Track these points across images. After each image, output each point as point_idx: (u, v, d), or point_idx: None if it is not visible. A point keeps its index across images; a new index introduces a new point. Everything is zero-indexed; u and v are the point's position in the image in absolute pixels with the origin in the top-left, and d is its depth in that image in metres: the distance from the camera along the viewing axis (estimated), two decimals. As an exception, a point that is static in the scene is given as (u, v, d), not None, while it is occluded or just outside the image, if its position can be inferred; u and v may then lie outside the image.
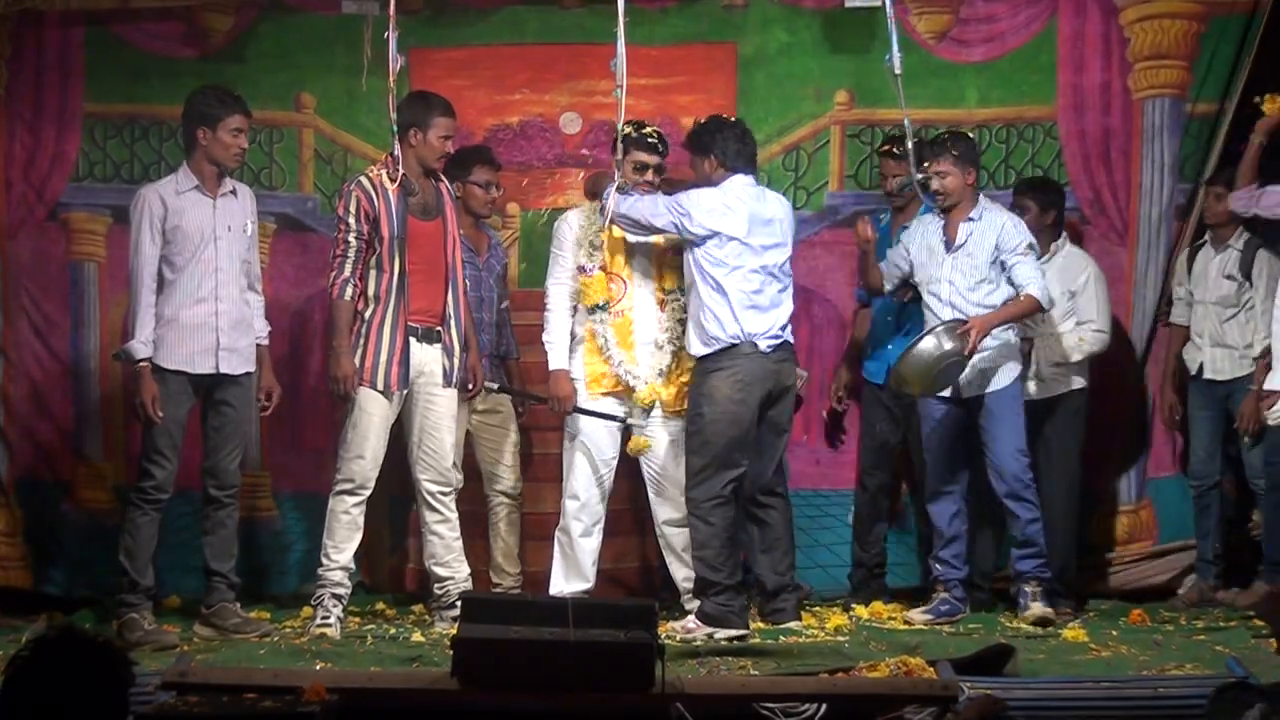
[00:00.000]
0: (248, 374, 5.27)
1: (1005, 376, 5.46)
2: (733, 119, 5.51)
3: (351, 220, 5.17)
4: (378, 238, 5.19)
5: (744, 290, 5.23)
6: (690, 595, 5.50)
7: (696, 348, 5.28)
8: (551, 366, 5.51)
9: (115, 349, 5.58)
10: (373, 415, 5.21)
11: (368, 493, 5.27)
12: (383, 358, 5.19)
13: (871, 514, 5.90)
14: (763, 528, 5.35)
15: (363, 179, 5.26)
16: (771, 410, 5.30)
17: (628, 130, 5.41)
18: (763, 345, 5.24)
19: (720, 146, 5.33)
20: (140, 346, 5.07)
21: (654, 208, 5.30)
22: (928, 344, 5.32)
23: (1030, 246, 5.45)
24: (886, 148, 5.86)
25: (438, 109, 5.27)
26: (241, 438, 5.31)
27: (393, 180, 5.22)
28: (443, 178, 5.39)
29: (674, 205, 5.27)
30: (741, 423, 5.18)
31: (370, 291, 5.20)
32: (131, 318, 5.13)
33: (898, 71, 5.19)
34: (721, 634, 5.01)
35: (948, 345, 5.30)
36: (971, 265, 5.46)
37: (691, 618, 5.14)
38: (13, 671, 2.61)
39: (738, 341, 5.21)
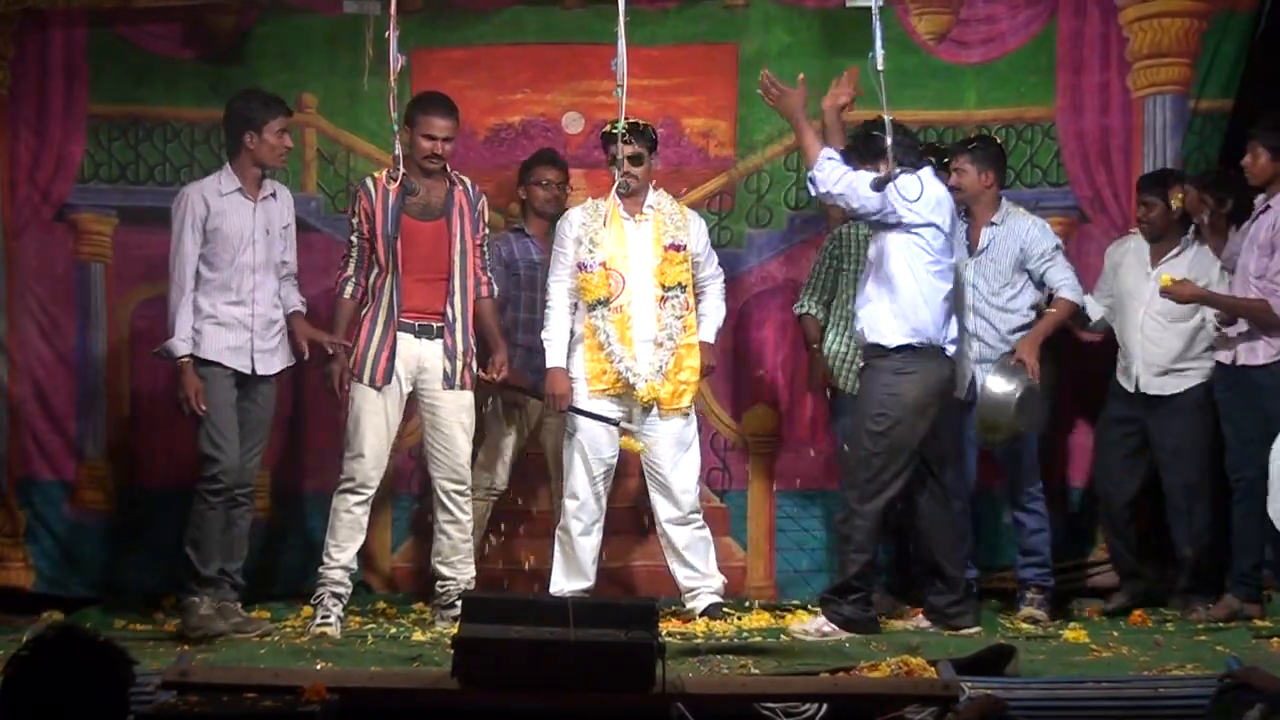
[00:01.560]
0: (277, 374, 5.30)
1: None
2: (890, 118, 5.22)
3: (354, 220, 5.32)
4: (374, 236, 5.27)
5: (942, 290, 5.06)
6: (691, 594, 5.51)
7: (886, 339, 5.02)
8: (549, 364, 5.51)
9: (129, 348, 5.71)
10: (368, 412, 5.26)
11: (370, 492, 5.29)
12: (370, 353, 5.26)
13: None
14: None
15: (367, 179, 5.37)
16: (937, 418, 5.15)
17: (606, 129, 5.45)
18: (949, 350, 5.12)
19: (894, 147, 5.02)
20: (180, 344, 5.11)
21: (864, 186, 5.00)
22: (995, 390, 5.30)
23: (1058, 248, 5.51)
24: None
25: (420, 108, 5.32)
26: (263, 437, 5.33)
27: (393, 180, 5.26)
28: (459, 181, 5.37)
29: (893, 199, 4.99)
30: (919, 433, 5.03)
31: (367, 287, 5.30)
32: (171, 315, 5.15)
33: (880, 68, 5.19)
34: (965, 633, 4.98)
35: (1012, 383, 5.29)
36: (995, 270, 5.53)
37: (824, 620, 5.00)
38: (13, 671, 2.61)
39: (932, 345, 5.03)
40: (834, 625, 4.97)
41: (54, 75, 6.02)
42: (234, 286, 5.17)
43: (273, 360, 5.28)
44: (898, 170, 5.01)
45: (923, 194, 5.04)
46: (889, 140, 5.02)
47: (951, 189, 5.52)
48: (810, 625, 5.01)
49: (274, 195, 5.30)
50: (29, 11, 5.91)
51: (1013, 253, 5.52)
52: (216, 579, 5.18)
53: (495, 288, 5.46)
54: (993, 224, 5.56)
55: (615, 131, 5.34)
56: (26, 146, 6.02)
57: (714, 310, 5.64)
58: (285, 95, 6.00)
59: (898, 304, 5.02)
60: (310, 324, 5.41)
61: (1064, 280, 5.47)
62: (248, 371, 5.21)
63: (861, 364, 5.23)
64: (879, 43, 5.06)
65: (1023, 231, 5.53)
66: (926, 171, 5.13)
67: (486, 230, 5.45)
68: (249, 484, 5.30)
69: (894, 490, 5.03)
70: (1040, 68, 6.12)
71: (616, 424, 5.47)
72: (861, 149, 5.12)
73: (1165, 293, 5.50)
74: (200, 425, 5.15)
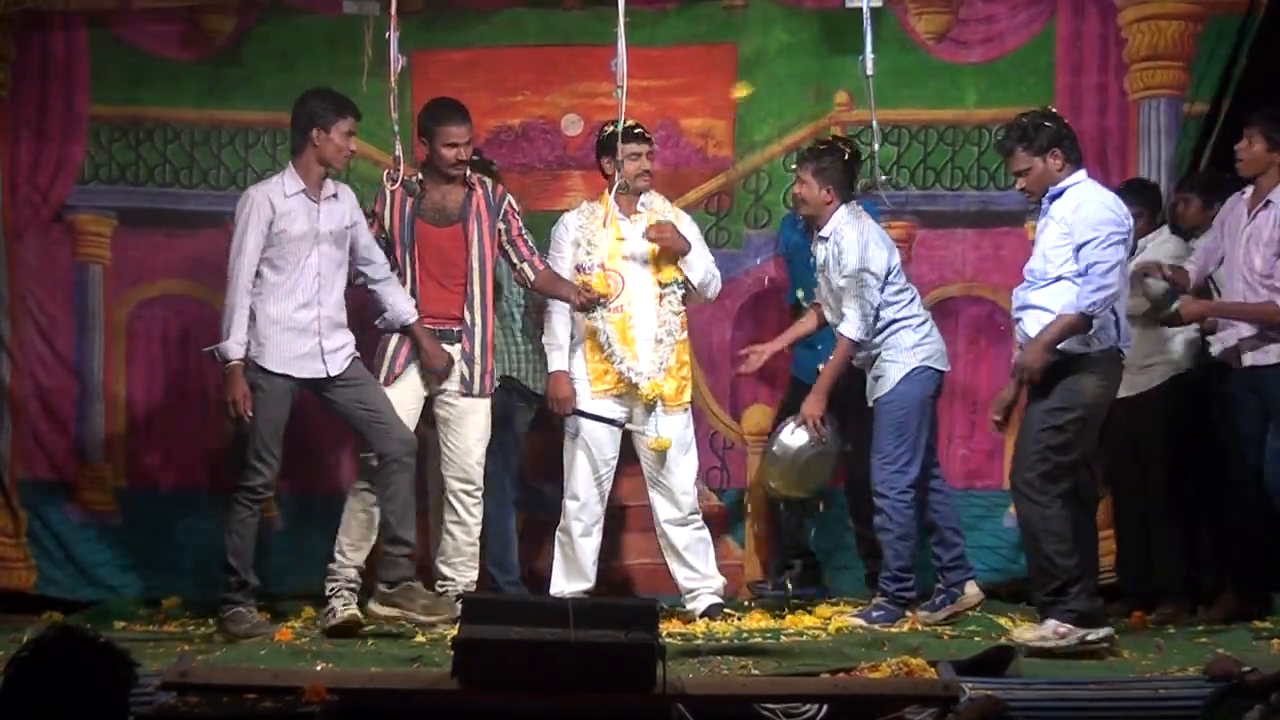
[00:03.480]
0: (351, 367, 5.22)
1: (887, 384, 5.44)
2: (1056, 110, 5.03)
3: (369, 218, 5.38)
4: (388, 239, 5.33)
5: (1124, 295, 4.88)
6: (691, 595, 5.53)
7: (1070, 346, 4.75)
8: (551, 368, 5.51)
9: (126, 349, 5.72)
10: None
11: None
12: (388, 354, 5.29)
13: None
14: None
15: (384, 182, 5.39)
16: None
17: (609, 129, 5.44)
18: (1125, 352, 4.96)
19: (1065, 141, 4.80)
20: (235, 347, 5.03)
21: (1107, 276, 4.67)
22: (783, 443, 5.42)
23: (856, 273, 5.34)
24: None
25: (436, 118, 5.30)
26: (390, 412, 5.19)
27: (392, 181, 5.27)
28: (480, 184, 5.36)
29: (1114, 239, 4.71)
30: (1093, 432, 4.91)
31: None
32: (227, 317, 5.07)
33: (870, 73, 5.16)
34: (1095, 635, 4.70)
35: (801, 440, 5.39)
36: (828, 289, 5.50)
37: (1055, 622, 4.69)
38: (13, 672, 2.61)
39: (1116, 348, 4.88)
40: (1069, 625, 4.67)
41: (54, 77, 6.03)
42: (302, 290, 5.10)
43: (341, 360, 5.18)
44: (882, 178, 5.07)
45: (1121, 212, 4.81)
46: (876, 146, 5.06)
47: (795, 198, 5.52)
48: (1044, 630, 4.69)
49: (336, 196, 5.24)
50: (29, 13, 5.92)
51: (836, 269, 5.43)
52: (257, 585, 5.18)
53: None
54: (822, 238, 5.49)
55: (622, 132, 5.33)
56: (27, 148, 6.03)
57: (708, 266, 5.58)
58: (285, 96, 6.02)
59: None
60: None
61: (845, 313, 5.35)
62: (322, 375, 5.14)
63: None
64: (869, 47, 5.03)
65: (838, 247, 5.40)
66: (1083, 173, 4.85)
67: (520, 221, 5.41)
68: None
69: (1067, 483, 4.81)
70: (1039, 68, 6.12)
71: (621, 425, 5.47)
72: (1031, 137, 4.82)
73: (1176, 319, 5.37)
74: (251, 434, 5.07)
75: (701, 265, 5.57)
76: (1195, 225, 5.69)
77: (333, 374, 5.17)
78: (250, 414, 5.03)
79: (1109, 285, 4.69)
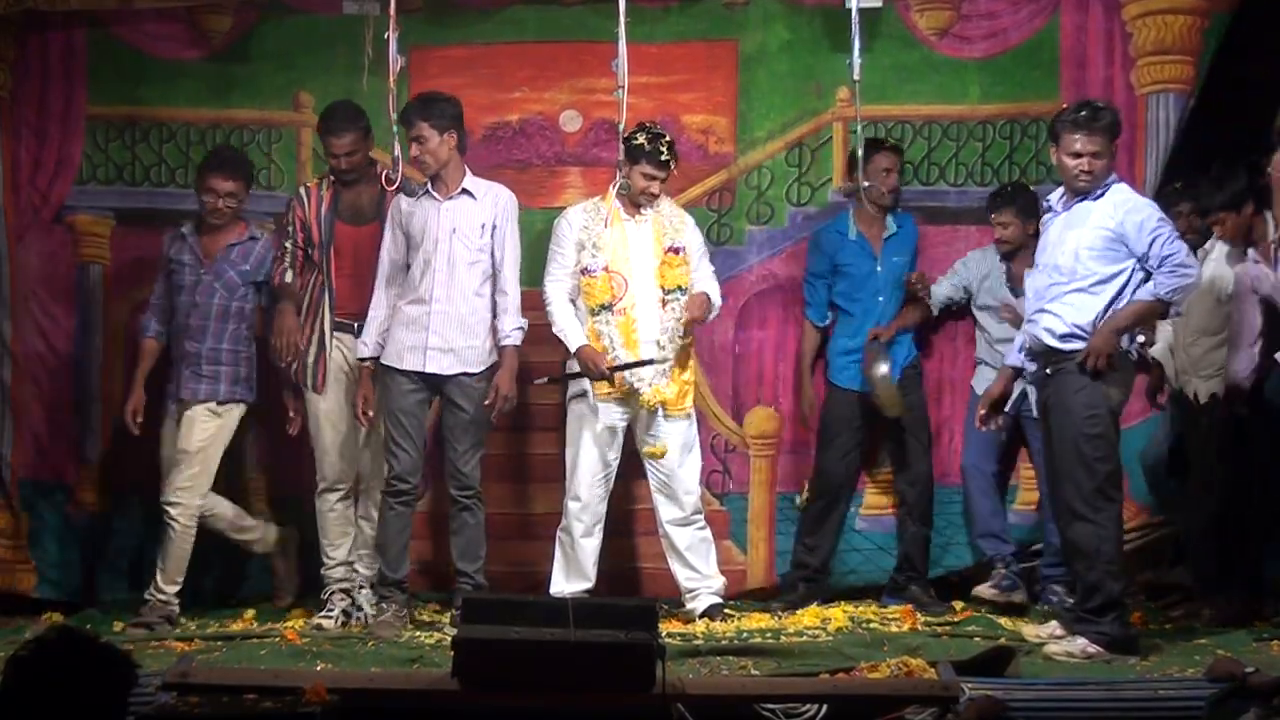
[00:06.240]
0: (469, 374, 5.23)
1: None
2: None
3: (289, 228, 5.48)
4: (309, 243, 5.43)
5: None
6: (692, 595, 5.51)
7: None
8: (573, 345, 5.44)
9: (124, 349, 5.85)
10: (321, 414, 5.43)
11: (345, 487, 5.45)
12: (310, 359, 5.42)
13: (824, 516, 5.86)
14: None
15: (300, 188, 5.55)
16: None
17: (641, 139, 5.42)
18: (1133, 354, 4.97)
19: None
20: (362, 346, 5.25)
21: (1180, 254, 4.74)
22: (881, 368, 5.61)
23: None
24: (892, 143, 5.84)
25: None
26: (475, 439, 5.26)
27: (391, 182, 5.29)
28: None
29: (1174, 232, 4.81)
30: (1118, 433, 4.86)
31: (305, 284, 5.45)
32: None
33: (856, 78, 5.16)
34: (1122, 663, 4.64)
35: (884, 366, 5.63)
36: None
37: (1086, 641, 4.67)
38: (13, 672, 2.62)
39: (1128, 351, 4.87)
40: (1098, 647, 4.66)
41: (54, 77, 6.03)
42: (416, 285, 5.20)
43: (454, 362, 5.20)
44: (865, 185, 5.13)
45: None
46: (860, 151, 5.10)
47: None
48: (1072, 646, 4.68)
49: (469, 194, 5.27)
50: (29, 13, 5.91)
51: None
52: (403, 582, 5.23)
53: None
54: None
55: (648, 151, 5.37)
56: (27, 149, 6.02)
57: (713, 291, 5.59)
58: (283, 95, 6.05)
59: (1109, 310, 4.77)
60: (508, 372, 5.26)
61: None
62: (419, 370, 5.18)
63: (1047, 370, 4.85)
64: (856, 51, 5.02)
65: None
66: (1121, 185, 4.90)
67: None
68: (471, 486, 5.25)
69: (1119, 497, 4.80)
70: (1043, 63, 6.10)
71: (663, 358, 5.41)
72: (1119, 126, 4.89)
73: None
74: (385, 428, 5.22)
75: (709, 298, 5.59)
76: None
77: (430, 371, 5.17)
78: (370, 415, 5.20)
79: (1189, 272, 4.73)
